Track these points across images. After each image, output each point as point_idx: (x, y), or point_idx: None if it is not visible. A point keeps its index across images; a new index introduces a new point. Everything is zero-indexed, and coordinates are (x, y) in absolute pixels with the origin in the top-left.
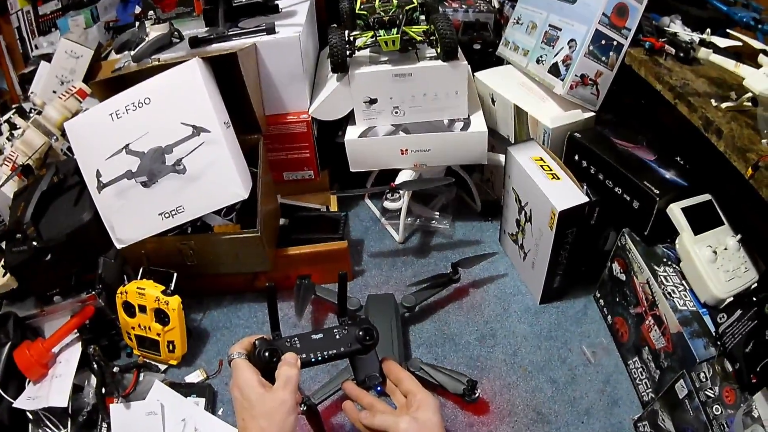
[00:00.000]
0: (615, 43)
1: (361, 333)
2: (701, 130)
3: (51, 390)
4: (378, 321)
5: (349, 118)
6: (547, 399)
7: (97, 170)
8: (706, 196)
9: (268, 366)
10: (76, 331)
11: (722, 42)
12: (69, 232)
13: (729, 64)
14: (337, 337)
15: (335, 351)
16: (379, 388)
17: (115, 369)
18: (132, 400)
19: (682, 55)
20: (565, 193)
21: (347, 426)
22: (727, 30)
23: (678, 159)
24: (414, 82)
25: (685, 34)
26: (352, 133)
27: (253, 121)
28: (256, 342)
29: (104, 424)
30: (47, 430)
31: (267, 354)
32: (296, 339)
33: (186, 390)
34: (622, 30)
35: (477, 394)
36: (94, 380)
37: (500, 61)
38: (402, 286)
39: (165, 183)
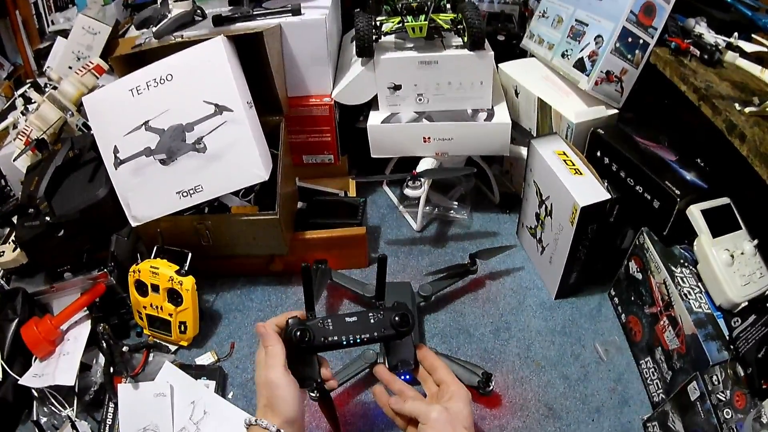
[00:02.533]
0: (641, 41)
1: (396, 318)
2: (724, 133)
3: (58, 368)
4: None
5: (372, 104)
6: (559, 395)
7: (115, 146)
8: (725, 200)
9: (298, 346)
10: (85, 308)
11: (749, 47)
12: (83, 208)
13: (755, 69)
14: (372, 321)
15: (368, 335)
16: (408, 376)
17: (125, 348)
18: (140, 381)
19: (706, 57)
20: (588, 188)
21: (362, 413)
22: (752, 35)
23: (698, 161)
24: (439, 70)
25: (711, 36)
26: (374, 119)
27: (275, 102)
28: (290, 320)
29: (111, 404)
30: (52, 408)
31: (298, 333)
32: (329, 320)
33: (196, 372)
34: (649, 29)
35: (491, 387)
36: (102, 359)
37: (523, 54)
38: (418, 274)
39: (184, 161)
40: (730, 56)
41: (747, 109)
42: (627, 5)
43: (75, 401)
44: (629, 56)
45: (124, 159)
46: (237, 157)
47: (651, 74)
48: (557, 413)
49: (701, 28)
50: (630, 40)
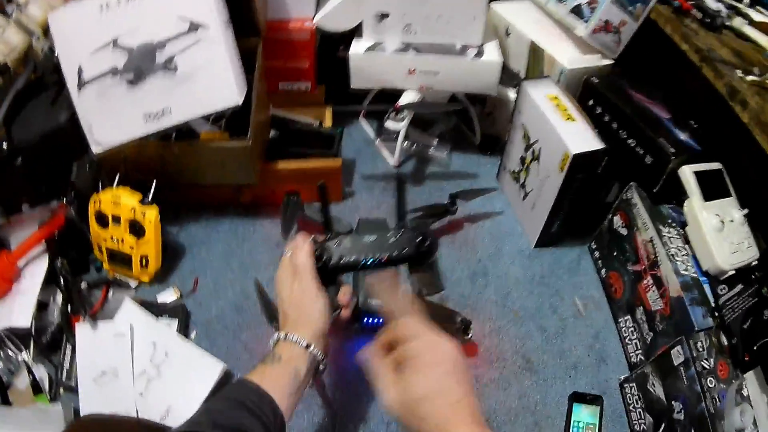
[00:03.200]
0: None
1: (418, 239)
2: (725, 98)
3: (14, 308)
4: None
5: (355, 32)
6: (536, 347)
7: (80, 66)
8: (717, 165)
9: (317, 265)
10: (43, 242)
11: (757, 15)
12: (43, 134)
13: (762, 38)
14: (391, 240)
15: (387, 255)
16: (379, 320)
17: (83, 285)
18: (99, 320)
19: (708, 21)
20: (580, 136)
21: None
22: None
23: (692, 122)
24: (431, 2)
25: (713, 1)
26: (357, 47)
27: (253, 23)
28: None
29: (68, 345)
30: (8, 351)
31: (316, 253)
32: (347, 239)
33: (158, 310)
34: None
35: (470, 335)
36: (59, 297)
37: None
38: (393, 211)
39: (153, 82)
40: (738, 21)
41: (748, 78)
42: None
43: (31, 344)
44: (630, 8)
45: (88, 80)
46: (210, 79)
47: (649, 30)
48: (534, 367)
49: None
50: None
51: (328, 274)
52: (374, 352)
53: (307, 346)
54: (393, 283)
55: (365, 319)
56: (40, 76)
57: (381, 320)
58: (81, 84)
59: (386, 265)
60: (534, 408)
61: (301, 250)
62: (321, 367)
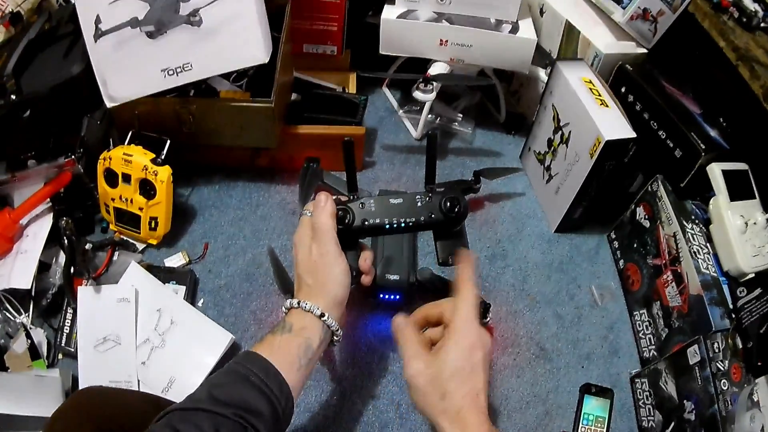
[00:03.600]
0: None
1: (447, 203)
2: (760, 98)
3: (14, 268)
4: None
5: None
6: (551, 335)
7: (98, 15)
8: (744, 165)
9: (338, 227)
10: (48, 200)
11: None
12: (53, 86)
13: None
14: (419, 204)
15: (414, 220)
16: (398, 296)
17: (88, 246)
18: (103, 284)
19: (744, 20)
20: (613, 122)
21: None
22: None
23: (721, 120)
24: None
25: (750, 2)
26: (389, 13)
27: None
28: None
29: (69, 309)
30: (6, 314)
31: (338, 213)
32: (372, 200)
33: (165, 275)
34: None
35: (488, 319)
36: (62, 258)
37: None
38: (413, 185)
39: (174, 35)
40: None
41: None
42: None
43: (31, 306)
44: None
45: (105, 30)
46: (236, 35)
47: (685, 23)
48: (548, 354)
49: None
50: None
51: (350, 236)
52: (412, 322)
53: (321, 316)
54: (469, 260)
55: (381, 294)
56: (54, 26)
57: (398, 296)
58: (98, 34)
59: (413, 230)
60: (546, 396)
61: (322, 210)
62: (335, 338)
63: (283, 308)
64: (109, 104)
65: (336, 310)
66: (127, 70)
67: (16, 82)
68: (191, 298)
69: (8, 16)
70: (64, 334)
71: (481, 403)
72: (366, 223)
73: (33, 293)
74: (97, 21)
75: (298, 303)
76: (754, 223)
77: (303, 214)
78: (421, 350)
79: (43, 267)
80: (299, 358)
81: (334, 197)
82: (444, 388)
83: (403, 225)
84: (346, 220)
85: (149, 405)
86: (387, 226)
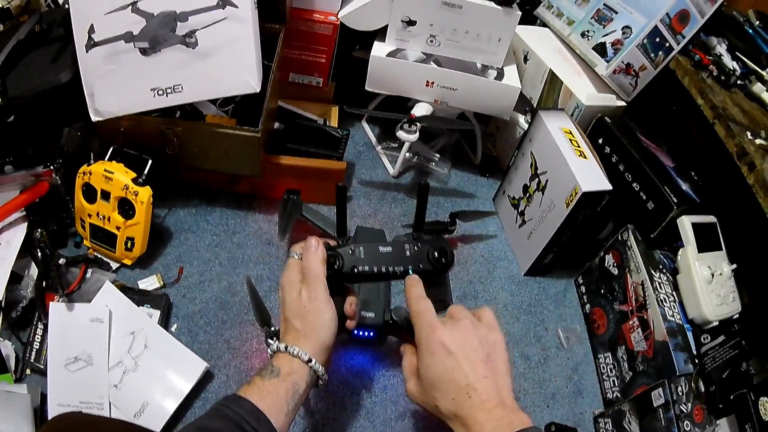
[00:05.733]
0: (667, 44)
1: (435, 253)
2: (733, 157)
3: None
4: None
5: (377, 34)
6: (518, 375)
7: (92, 25)
8: (712, 218)
9: (327, 273)
10: (23, 209)
11: None
12: (40, 92)
13: None
14: (408, 253)
15: (402, 268)
16: (372, 333)
17: (61, 261)
18: (76, 301)
19: (723, 78)
20: (591, 174)
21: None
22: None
23: (693, 173)
24: (461, 17)
25: (728, 60)
26: (379, 50)
27: (279, 9)
28: None
29: (41, 324)
30: None
31: (329, 259)
32: (361, 248)
33: (139, 297)
34: (678, 35)
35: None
36: (35, 270)
37: (533, 21)
38: (389, 221)
39: (168, 54)
40: (758, 88)
41: (757, 141)
42: (665, 6)
43: (0, 317)
44: (652, 55)
45: (99, 41)
46: (230, 60)
47: (665, 78)
48: (515, 393)
49: (721, 49)
50: (657, 40)
51: (338, 282)
52: (410, 347)
53: (309, 361)
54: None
55: (356, 331)
56: (45, 29)
57: (372, 333)
58: (90, 44)
59: (400, 278)
60: None
61: (314, 255)
62: (320, 382)
63: (269, 351)
64: (94, 118)
65: (322, 355)
66: (117, 85)
67: (2, 83)
68: (165, 322)
69: None
70: (34, 350)
71: (478, 398)
72: (356, 269)
73: (3, 304)
74: (91, 30)
75: (286, 347)
76: (720, 274)
77: (290, 256)
78: (410, 372)
79: (15, 278)
80: (287, 403)
81: (326, 241)
82: (434, 399)
83: (392, 273)
84: (336, 266)
85: None
86: (376, 273)
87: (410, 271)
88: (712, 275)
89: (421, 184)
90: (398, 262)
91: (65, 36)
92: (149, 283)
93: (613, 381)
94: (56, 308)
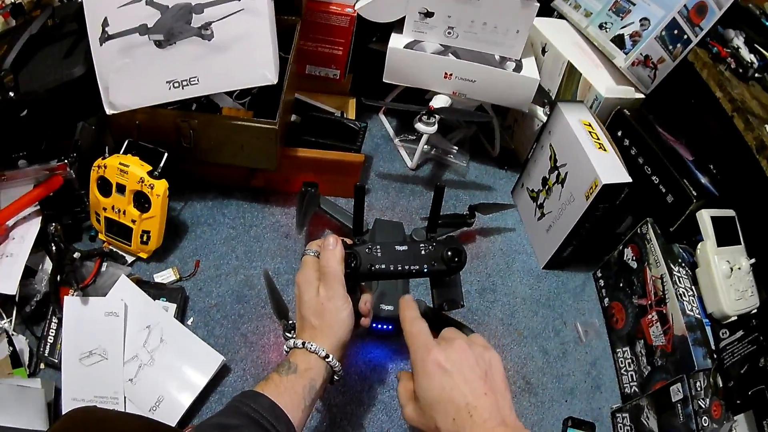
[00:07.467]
0: (685, 36)
1: (449, 253)
2: (752, 150)
3: None
4: None
5: (394, 26)
6: (537, 369)
7: (105, 18)
8: (731, 212)
9: (344, 271)
10: (37, 203)
11: None
12: (53, 87)
13: None
14: (423, 252)
15: (417, 267)
16: (390, 327)
17: (76, 255)
18: (90, 295)
19: (741, 71)
20: (611, 167)
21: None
22: None
23: (712, 167)
24: (479, 8)
25: (746, 52)
26: (396, 42)
27: (294, 1)
28: None
29: (55, 319)
30: None
31: (346, 258)
32: (378, 247)
33: (155, 291)
34: (695, 27)
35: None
36: (49, 265)
37: (550, 12)
38: (407, 214)
39: (183, 47)
40: None
41: None
42: None
43: (14, 311)
44: (670, 47)
45: (113, 34)
46: (247, 53)
47: (683, 71)
48: (534, 388)
49: (739, 41)
50: (676, 32)
51: (355, 280)
52: (405, 372)
53: (326, 357)
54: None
55: (374, 324)
56: (58, 24)
57: (391, 326)
58: (104, 38)
59: (415, 276)
60: (531, 429)
61: (332, 253)
62: (336, 378)
63: (286, 346)
64: (109, 111)
65: (339, 351)
66: (131, 78)
67: (15, 78)
68: (181, 316)
69: (9, 7)
70: (48, 344)
71: (479, 417)
72: (372, 268)
73: (17, 298)
74: (105, 24)
75: (303, 344)
76: (739, 268)
77: (306, 253)
78: (407, 398)
79: (29, 272)
80: (304, 399)
81: (343, 239)
82: (434, 421)
83: (407, 271)
84: (353, 265)
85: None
86: (392, 272)
87: (425, 269)
88: (731, 270)
89: (438, 185)
90: (414, 262)
91: (78, 30)
92: (165, 276)
93: (632, 376)
94: (71, 302)
